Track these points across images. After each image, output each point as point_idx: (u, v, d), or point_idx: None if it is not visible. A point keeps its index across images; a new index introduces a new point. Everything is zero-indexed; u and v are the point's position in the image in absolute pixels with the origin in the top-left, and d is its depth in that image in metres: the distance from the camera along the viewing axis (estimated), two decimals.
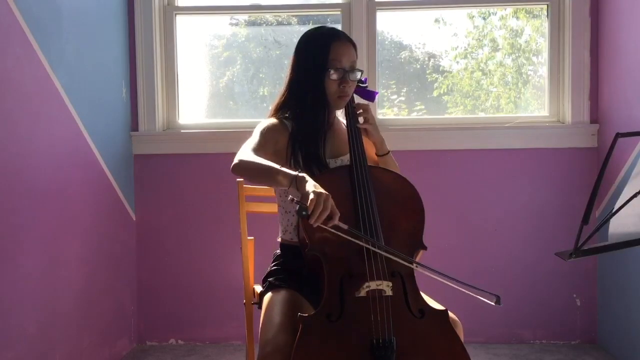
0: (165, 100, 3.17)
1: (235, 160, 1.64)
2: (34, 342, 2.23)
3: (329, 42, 1.74)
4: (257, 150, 1.69)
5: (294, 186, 1.49)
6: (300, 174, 1.49)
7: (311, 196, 1.40)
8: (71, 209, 2.51)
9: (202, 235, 3.11)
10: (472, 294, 1.48)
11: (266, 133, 1.77)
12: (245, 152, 1.66)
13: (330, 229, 1.45)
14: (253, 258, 2.10)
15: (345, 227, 1.45)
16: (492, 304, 1.45)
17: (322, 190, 1.42)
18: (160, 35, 3.12)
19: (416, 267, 1.57)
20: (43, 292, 2.30)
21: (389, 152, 1.89)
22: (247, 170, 1.62)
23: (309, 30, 1.83)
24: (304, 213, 1.39)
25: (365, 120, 1.81)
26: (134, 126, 3.11)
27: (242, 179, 2.14)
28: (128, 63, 3.07)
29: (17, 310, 2.13)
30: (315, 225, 1.41)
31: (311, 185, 1.44)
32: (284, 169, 1.53)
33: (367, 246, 1.55)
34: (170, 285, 3.13)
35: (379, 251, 1.56)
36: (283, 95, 1.83)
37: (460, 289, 1.48)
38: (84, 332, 2.61)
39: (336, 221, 1.43)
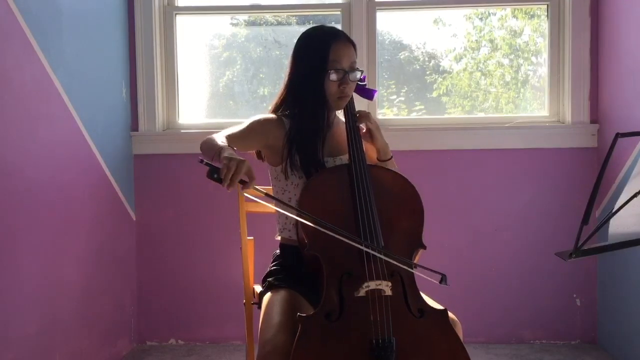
0: (165, 100, 3.17)
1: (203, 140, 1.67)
2: (34, 342, 2.23)
3: (329, 43, 1.73)
4: (236, 136, 1.72)
5: (217, 158, 1.50)
6: (224, 146, 1.51)
7: (224, 161, 1.43)
8: (71, 209, 2.51)
9: (202, 235, 3.11)
10: (419, 273, 1.51)
11: (256, 124, 1.77)
12: (218, 133, 1.69)
13: (251, 198, 1.46)
14: (253, 258, 2.10)
15: (263, 191, 1.47)
16: (437, 282, 1.48)
17: (236, 157, 1.44)
18: (160, 35, 3.12)
19: (380, 253, 1.57)
20: (43, 292, 2.30)
21: (391, 157, 1.88)
22: (202, 146, 1.66)
23: (308, 30, 1.82)
24: (215, 176, 1.42)
25: (368, 126, 1.80)
26: (134, 126, 3.11)
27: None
28: (128, 63, 3.07)
29: (17, 310, 2.13)
30: (229, 190, 1.43)
31: (226, 152, 1.47)
32: (220, 143, 1.55)
33: (341, 238, 1.52)
34: (170, 285, 3.13)
35: (350, 243, 1.53)
36: (282, 94, 1.83)
37: (408, 269, 1.53)
38: (84, 332, 2.61)
39: (252, 186, 1.44)
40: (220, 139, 1.63)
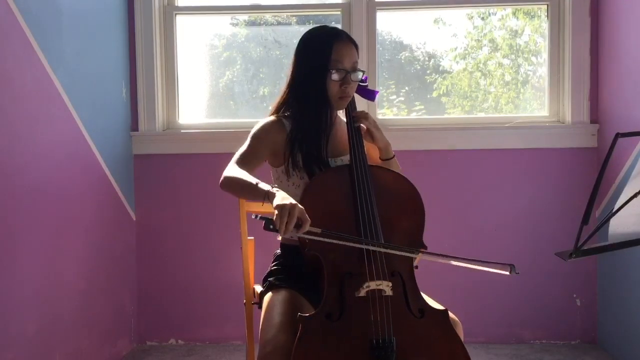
0: (165, 100, 3.17)
1: (222, 177, 1.68)
2: (34, 342, 2.23)
3: (331, 43, 1.73)
4: (246, 159, 1.73)
5: (267, 202, 1.52)
6: (272, 190, 1.52)
7: (276, 211, 1.43)
8: (71, 209, 2.51)
9: (202, 235, 3.11)
10: (485, 268, 1.52)
11: (259, 136, 1.78)
12: (231, 167, 1.70)
13: (306, 237, 1.47)
14: (253, 258, 2.10)
15: (318, 231, 1.48)
16: (507, 273, 1.48)
17: (287, 202, 1.44)
18: (160, 35, 3.12)
19: (416, 254, 1.58)
20: (43, 292, 2.30)
21: (394, 156, 1.87)
22: (231, 188, 1.67)
23: (310, 30, 1.82)
24: (271, 227, 1.43)
25: (368, 126, 1.80)
26: (134, 126, 3.11)
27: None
28: (128, 63, 3.07)
29: (17, 310, 2.13)
30: (286, 236, 1.44)
31: (278, 199, 1.47)
32: (260, 185, 1.56)
33: (358, 245, 1.55)
34: (170, 285, 3.13)
35: (369, 247, 1.56)
36: (284, 94, 1.83)
37: (471, 266, 1.52)
38: (84, 332, 2.61)
39: (306, 228, 1.45)
40: (242, 173, 1.63)
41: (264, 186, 1.55)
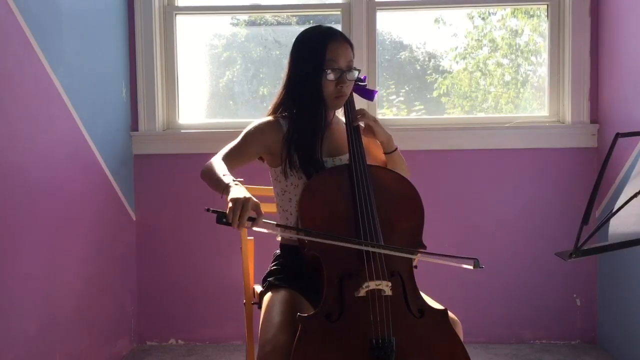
0: (165, 100, 3.17)
1: (203, 167, 1.71)
2: (34, 342, 2.23)
3: (326, 42, 1.73)
4: (232, 153, 1.75)
5: (225, 195, 1.53)
6: (231, 184, 1.54)
7: (229, 204, 1.45)
8: (71, 209, 2.51)
9: (202, 235, 3.11)
10: (450, 263, 1.53)
11: (252, 135, 1.79)
12: (214, 158, 1.72)
13: (264, 230, 1.48)
14: (253, 258, 2.10)
15: (273, 223, 1.49)
16: (471, 268, 1.50)
17: (241, 196, 1.46)
18: (160, 35, 3.12)
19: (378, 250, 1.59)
20: (43, 292, 2.30)
21: (396, 148, 1.87)
22: (205, 178, 1.69)
23: (305, 30, 1.82)
24: (223, 220, 1.44)
25: (367, 122, 1.80)
26: (134, 126, 3.11)
27: (241, 179, 2.14)
28: (128, 63, 3.07)
29: (17, 310, 2.13)
30: (240, 230, 1.46)
31: (233, 193, 1.49)
32: (224, 177, 1.59)
33: (350, 246, 1.55)
34: (170, 285, 3.13)
35: (366, 249, 1.56)
36: (280, 95, 1.83)
37: (438, 261, 1.54)
38: (84, 332, 2.61)
39: (260, 222, 1.46)
40: (219, 165, 1.66)
41: (226, 179, 1.57)
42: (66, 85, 2.46)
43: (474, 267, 1.51)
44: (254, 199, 1.47)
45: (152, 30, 3.06)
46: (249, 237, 2.09)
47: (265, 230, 1.49)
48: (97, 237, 2.73)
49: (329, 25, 1.86)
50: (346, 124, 1.78)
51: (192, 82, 3.26)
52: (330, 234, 1.56)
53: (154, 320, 3.14)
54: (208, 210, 1.47)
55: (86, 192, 2.64)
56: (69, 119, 2.51)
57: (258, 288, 1.96)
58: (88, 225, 2.65)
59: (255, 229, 1.48)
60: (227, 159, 1.73)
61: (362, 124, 1.80)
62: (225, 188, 1.54)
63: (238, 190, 1.50)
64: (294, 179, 1.76)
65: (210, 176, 1.66)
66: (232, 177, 1.59)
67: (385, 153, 1.87)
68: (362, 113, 1.78)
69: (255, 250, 2.12)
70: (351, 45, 1.77)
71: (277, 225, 1.52)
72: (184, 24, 3.20)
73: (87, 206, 2.64)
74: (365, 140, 1.86)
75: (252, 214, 1.45)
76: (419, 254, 1.66)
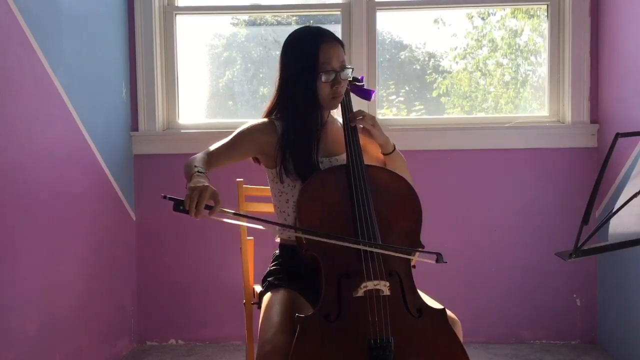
0: (165, 100, 3.17)
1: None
2: (34, 342, 2.23)
3: (317, 45, 1.72)
4: (220, 150, 1.74)
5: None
6: (195, 173, 1.54)
7: (187, 192, 1.46)
8: (71, 209, 2.51)
9: (202, 235, 3.11)
10: (408, 256, 1.55)
11: (243, 134, 1.78)
12: (200, 153, 1.71)
13: (220, 219, 1.49)
14: (253, 258, 2.10)
15: (231, 211, 1.50)
16: (433, 262, 1.50)
17: (199, 184, 1.47)
18: (160, 35, 3.12)
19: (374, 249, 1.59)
20: (43, 292, 2.30)
21: (394, 149, 1.86)
22: (184, 171, 1.67)
23: (294, 32, 1.80)
24: (180, 208, 1.46)
25: (365, 126, 1.79)
26: (134, 126, 3.11)
27: (241, 179, 2.15)
28: (128, 63, 3.07)
29: (17, 310, 2.13)
30: (197, 217, 1.46)
31: (192, 181, 1.50)
32: (194, 166, 1.58)
33: (338, 243, 1.54)
34: (170, 285, 3.13)
35: (333, 241, 1.56)
36: (274, 98, 1.82)
37: (401, 255, 1.55)
38: (84, 332, 2.61)
39: (218, 210, 1.47)
40: (197, 158, 1.66)
41: (193, 169, 1.57)
42: (66, 85, 2.46)
43: (436, 262, 1.50)
44: (212, 187, 1.47)
45: (152, 30, 3.06)
46: (248, 237, 2.09)
47: (224, 220, 1.50)
48: (97, 237, 2.73)
49: (317, 25, 1.85)
50: (343, 124, 1.78)
51: (192, 82, 3.26)
52: (313, 230, 1.56)
53: (154, 320, 3.14)
54: (165, 197, 1.47)
55: (86, 192, 2.64)
56: (69, 119, 2.51)
57: (258, 288, 1.96)
58: (88, 225, 2.65)
59: (213, 217, 1.48)
60: (213, 155, 1.71)
61: (360, 126, 1.79)
62: (190, 177, 1.55)
63: (197, 179, 1.51)
64: (289, 180, 1.76)
65: (185, 169, 1.65)
66: (199, 168, 1.59)
67: (384, 154, 1.86)
68: (362, 115, 1.77)
69: (255, 250, 2.12)
70: (342, 45, 1.76)
71: (235, 213, 1.52)
72: (184, 24, 3.20)
73: (87, 206, 2.64)
74: (363, 139, 1.86)
75: (210, 202, 1.46)
76: (417, 254, 1.66)
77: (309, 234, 1.56)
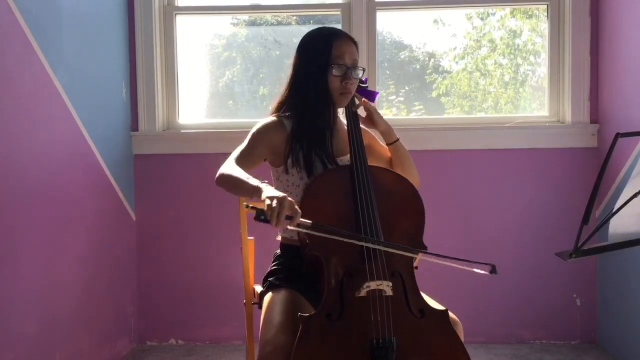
0: (165, 100, 3.17)
1: (217, 174, 1.70)
2: (34, 342, 2.23)
3: (331, 40, 1.75)
4: (243, 157, 1.75)
5: (255, 196, 1.53)
6: (261, 185, 1.53)
7: (267, 201, 1.43)
8: (71, 209, 2.51)
9: (202, 235, 3.11)
10: (467, 267, 1.51)
11: (258, 136, 1.79)
12: (228, 163, 1.72)
13: (300, 229, 1.48)
14: (253, 258, 2.10)
15: (308, 222, 1.48)
16: (487, 273, 1.49)
17: (278, 194, 1.45)
18: (160, 35, 3.12)
19: (415, 254, 1.59)
20: (43, 292, 2.30)
21: (398, 139, 1.89)
22: (225, 184, 1.68)
23: (311, 30, 1.84)
24: (262, 218, 1.43)
25: (367, 108, 1.85)
26: (134, 126, 3.11)
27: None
28: (128, 63, 3.07)
29: (17, 310, 2.13)
30: (278, 228, 1.44)
31: (268, 191, 1.48)
32: (250, 180, 1.58)
33: (356, 242, 1.55)
34: (170, 285, 3.13)
35: (367, 244, 1.56)
36: (284, 94, 1.83)
37: (455, 265, 1.52)
38: (84, 332, 2.61)
39: (298, 220, 1.45)
40: (237, 170, 1.65)
41: (253, 181, 1.57)
42: (66, 85, 2.46)
43: (490, 273, 1.49)
44: (290, 197, 1.46)
45: (152, 30, 3.06)
46: (249, 237, 2.09)
47: (301, 230, 1.48)
48: (97, 237, 2.73)
49: (333, 25, 1.88)
50: (347, 125, 1.79)
51: (192, 82, 3.26)
52: (350, 233, 1.55)
53: (154, 320, 3.14)
54: (247, 206, 1.46)
55: (86, 192, 2.64)
56: (69, 119, 2.51)
57: (258, 288, 1.96)
58: (88, 225, 2.65)
59: (291, 227, 1.47)
60: (240, 163, 1.71)
61: (362, 114, 1.82)
62: (256, 189, 1.53)
63: (273, 190, 1.50)
64: (295, 178, 1.76)
65: (230, 181, 1.64)
66: (258, 179, 1.58)
67: (387, 144, 1.89)
68: (365, 101, 1.84)
69: (255, 250, 2.12)
70: (356, 45, 1.80)
71: (314, 225, 1.49)
72: (184, 24, 3.20)
73: (87, 206, 2.64)
74: (368, 139, 1.88)
75: (289, 213, 1.44)
76: (420, 254, 1.67)
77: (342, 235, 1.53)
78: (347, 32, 1.83)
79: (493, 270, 1.49)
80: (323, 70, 1.74)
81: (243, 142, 1.81)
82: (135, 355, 3.00)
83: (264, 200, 1.45)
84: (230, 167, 1.69)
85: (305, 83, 1.77)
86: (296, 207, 1.45)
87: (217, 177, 1.70)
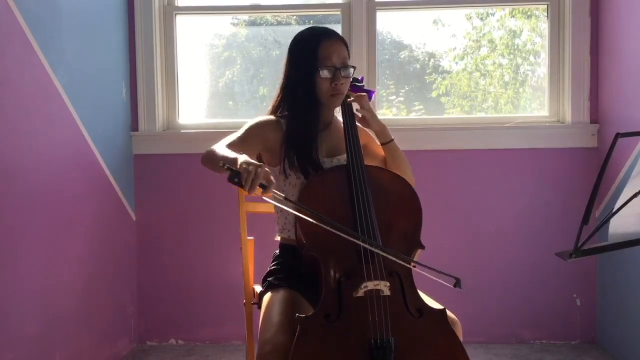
0: (165, 100, 3.17)
1: (204, 153, 1.68)
2: (34, 342, 2.23)
3: (318, 41, 1.74)
4: (234, 144, 1.72)
5: (232, 166, 1.49)
6: (240, 155, 1.51)
7: (243, 165, 1.43)
8: (71, 209, 2.51)
9: (202, 235, 3.11)
10: (431, 276, 1.49)
11: (254, 129, 1.79)
12: (217, 144, 1.70)
13: (271, 201, 1.47)
14: (253, 258, 2.10)
15: (281, 195, 1.47)
16: (451, 286, 1.46)
17: (255, 162, 1.44)
18: (160, 35, 3.12)
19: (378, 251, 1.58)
20: (43, 292, 2.30)
21: (392, 139, 1.88)
22: (208, 161, 1.66)
23: (300, 31, 1.83)
24: (235, 180, 1.42)
25: (361, 107, 1.83)
26: (134, 126, 3.11)
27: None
28: (128, 63, 3.07)
29: (17, 310, 2.13)
30: (249, 193, 1.43)
31: (246, 158, 1.47)
32: (230, 154, 1.55)
33: (345, 236, 1.53)
34: (170, 285, 3.13)
35: (359, 242, 1.55)
36: (278, 96, 1.84)
37: (422, 272, 1.50)
38: (84, 332, 2.61)
39: (271, 191, 1.44)
40: (223, 149, 1.64)
41: (234, 154, 1.54)
42: (66, 85, 2.46)
43: (454, 286, 1.47)
44: (266, 168, 1.45)
45: (152, 30, 3.06)
46: (248, 237, 2.09)
47: (272, 202, 1.47)
48: (97, 237, 2.73)
49: (325, 26, 1.87)
50: (344, 124, 1.79)
51: (192, 82, 3.27)
52: (335, 223, 1.53)
53: (154, 320, 3.14)
54: (223, 165, 1.45)
55: (86, 192, 2.64)
56: (69, 119, 2.51)
57: (258, 288, 1.96)
58: (88, 225, 2.65)
59: (264, 197, 1.46)
60: (230, 147, 1.69)
61: (358, 114, 1.82)
62: (234, 160, 1.50)
63: (250, 159, 1.48)
64: (292, 178, 1.76)
65: (213, 157, 1.62)
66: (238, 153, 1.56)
67: (382, 144, 1.88)
68: (360, 95, 1.82)
69: (255, 250, 2.12)
70: (345, 43, 1.78)
71: (286, 199, 1.49)
72: (184, 24, 3.20)
73: (87, 206, 2.64)
74: (364, 139, 1.87)
75: (264, 181, 1.43)
76: (419, 251, 1.66)
77: (328, 225, 1.52)
78: (335, 31, 1.81)
79: (457, 283, 1.46)
80: (311, 73, 1.73)
81: (237, 131, 1.79)
82: (135, 355, 3.00)
83: (240, 165, 1.44)
84: (218, 146, 1.67)
85: (295, 86, 1.77)
86: (272, 178, 1.45)
87: (203, 155, 1.69)
